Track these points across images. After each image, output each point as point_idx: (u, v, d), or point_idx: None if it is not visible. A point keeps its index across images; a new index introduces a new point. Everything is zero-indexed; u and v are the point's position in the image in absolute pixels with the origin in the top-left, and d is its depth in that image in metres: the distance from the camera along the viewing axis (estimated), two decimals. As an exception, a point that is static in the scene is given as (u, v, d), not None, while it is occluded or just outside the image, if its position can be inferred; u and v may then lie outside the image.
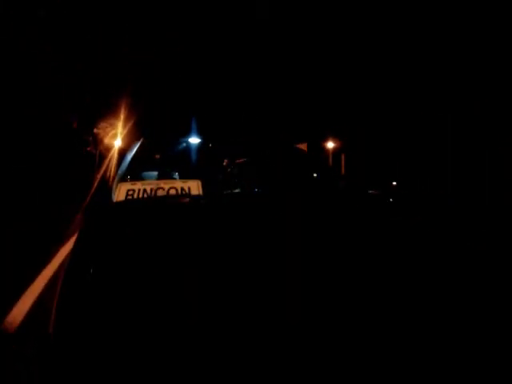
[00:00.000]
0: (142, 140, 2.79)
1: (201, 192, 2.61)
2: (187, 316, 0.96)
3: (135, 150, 2.70)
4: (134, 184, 2.46)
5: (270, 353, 0.84)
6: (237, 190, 3.19)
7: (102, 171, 2.60)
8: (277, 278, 1.13)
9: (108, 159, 2.73)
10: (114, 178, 2.40)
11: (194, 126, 3.09)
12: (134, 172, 2.78)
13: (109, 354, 0.86)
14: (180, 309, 0.99)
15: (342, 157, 14.30)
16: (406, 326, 0.91)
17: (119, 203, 2.21)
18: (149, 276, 1.13)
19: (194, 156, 3.27)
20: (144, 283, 1.09)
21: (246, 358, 0.83)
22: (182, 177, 3.13)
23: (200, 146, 3.36)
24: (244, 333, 0.90)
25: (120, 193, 2.33)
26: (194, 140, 3.34)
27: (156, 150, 3.33)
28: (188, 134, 3.26)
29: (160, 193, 2.48)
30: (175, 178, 3.08)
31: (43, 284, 4.13)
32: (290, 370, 0.79)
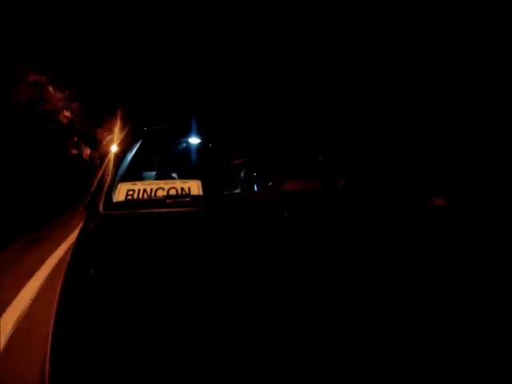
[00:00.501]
0: (141, 140, 2.79)
1: (201, 192, 2.61)
2: (187, 317, 0.96)
3: (135, 150, 2.70)
4: (134, 184, 2.45)
5: (269, 354, 0.83)
6: (237, 191, 3.19)
7: (101, 171, 2.60)
8: (276, 279, 1.13)
9: (108, 159, 2.73)
10: (113, 177, 2.40)
11: (194, 125, 3.09)
12: (134, 172, 2.78)
13: (109, 354, 0.86)
14: (180, 310, 0.99)
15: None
16: (406, 327, 0.91)
17: (119, 203, 2.21)
18: (148, 278, 1.13)
19: (194, 156, 3.27)
20: (143, 285, 1.09)
21: (245, 358, 0.83)
22: (182, 177, 3.13)
23: (200, 146, 3.36)
24: (243, 333, 0.90)
25: (120, 193, 2.33)
26: (194, 140, 3.34)
27: (156, 150, 3.33)
28: (188, 134, 3.26)
29: (160, 193, 2.47)
30: (174, 178, 3.08)
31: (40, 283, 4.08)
32: (290, 370, 0.79)
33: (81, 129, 9.81)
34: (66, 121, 9.51)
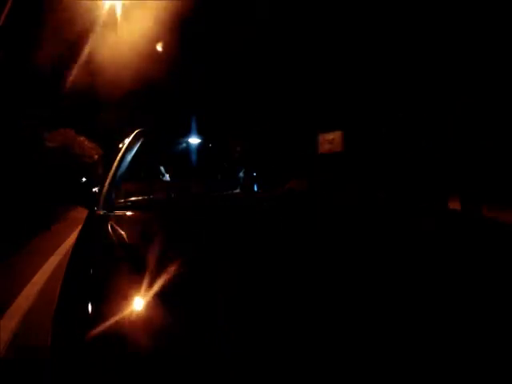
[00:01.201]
0: (141, 140, 2.79)
1: (202, 191, 2.62)
2: (180, 315, 0.96)
3: (135, 150, 2.70)
4: (134, 184, 2.46)
5: (268, 353, 0.84)
6: (237, 190, 3.19)
7: (102, 172, 2.61)
8: (275, 278, 1.14)
9: (108, 159, 2.74)
10: (113, 178, 2.40)
11: (193, 125, 3.09)
12: (134, 172, 2.79)
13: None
14: (174, 308, 0.99)
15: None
16: (407, 326, 0.91)
17: (119, 203, 2.21)
18: (145, 275, 1.13)
19: (193, 156, 3.27)
20: (139, 282, 1.09)
21: (244, 358, 0.83)
22: (182, 176, 3.14)
23: (200, 146, 3.36)
24: (243, 332, 0.90)
25: (120, 193, 2.33)
26: (194, 140, 3.34)
27: (155, 150, 3.33)
28: (188, 133, 3.26)
29: (160, 193, 2.48)
30: (164, 175, 3.09)
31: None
32: (289, 369, 0.79)
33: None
34: (95, 159, 16.99)
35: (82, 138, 17.87)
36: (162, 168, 3.18)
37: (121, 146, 2.70)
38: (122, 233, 1.59)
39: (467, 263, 1.27)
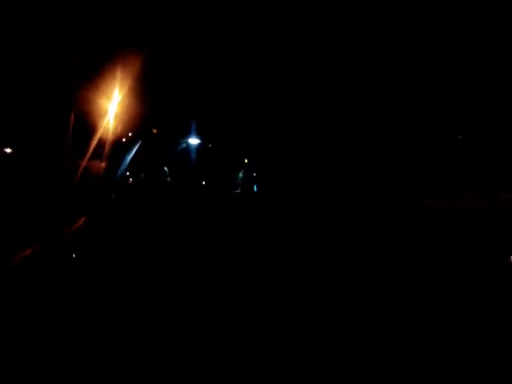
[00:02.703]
0: (141, 141, 2.80)
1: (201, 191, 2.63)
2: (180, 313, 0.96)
3: (134, 151, 2.71)
4: (132, 183, 2.46)
5: (268, 351, 0.84)
6: (237, 191, 3.19)
7: (103, 172, 2.62)
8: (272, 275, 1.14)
9: (109, 160, 2.75)
10: (113, 178, 2.41)
11: (193, 127, 3.10)
12: (134, 172, 2.80)
13: None
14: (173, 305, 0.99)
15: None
16: (406, 325, 0.91)
17: (117, 203, 2.24)
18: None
19: (193, 156, 3.28)
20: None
21: (242, 356, 0.83)
22: (182, 177, 3.14)
23: (200, 147, 3.37)
24: (241, 328, 0.90)
25: (117, 193, 2.35)
26: (194, 141, 3.35)
27: (155, 151, 3.36)
28: (188, 135, 3.27)
29: (151, 193, 2.50)
30: (166, 174, 3.11)
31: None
32: (289, 368, 0.80)
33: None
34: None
35: (103, 164, 19.72)
36: (165, 169, 3.20)
37: (121, 148, 2.71)
38: (121, 232, 1.59)
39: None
